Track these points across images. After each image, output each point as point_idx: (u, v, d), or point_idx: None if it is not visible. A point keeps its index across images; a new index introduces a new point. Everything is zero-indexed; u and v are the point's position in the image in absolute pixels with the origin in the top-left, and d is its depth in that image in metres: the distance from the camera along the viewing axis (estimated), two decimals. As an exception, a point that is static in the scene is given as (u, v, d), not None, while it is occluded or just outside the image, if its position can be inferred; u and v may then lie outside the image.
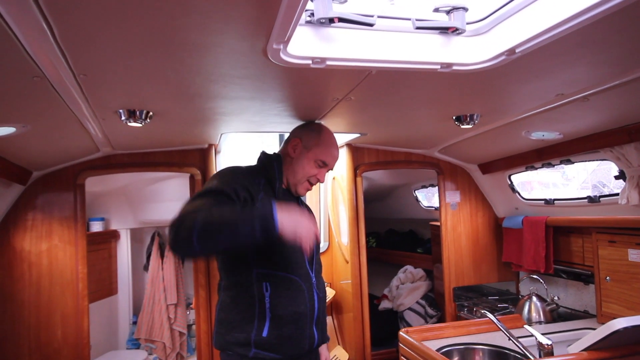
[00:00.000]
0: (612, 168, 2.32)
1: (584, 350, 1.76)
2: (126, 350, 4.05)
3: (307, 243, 1.32)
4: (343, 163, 3.14)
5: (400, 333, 2.28)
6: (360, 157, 3.17)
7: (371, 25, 1.30)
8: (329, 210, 3.79)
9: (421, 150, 3.19)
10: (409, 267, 4.07)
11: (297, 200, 1.80)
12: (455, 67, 1.43)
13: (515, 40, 1.28)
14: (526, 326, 2.00)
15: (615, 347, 1.76)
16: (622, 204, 2.18)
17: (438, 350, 2.08)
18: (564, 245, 2.78)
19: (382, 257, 4.94)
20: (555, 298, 2.71)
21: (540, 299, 2.67)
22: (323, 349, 1.85)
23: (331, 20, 1.25)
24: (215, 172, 2.85)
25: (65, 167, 2.67)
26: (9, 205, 2.58)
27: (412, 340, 2.16)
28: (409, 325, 3.60)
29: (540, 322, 2.59)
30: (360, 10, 1.30)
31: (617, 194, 2.27)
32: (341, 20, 1.25)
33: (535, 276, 2.86)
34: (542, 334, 1.87)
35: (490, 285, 3.31)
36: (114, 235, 4.06)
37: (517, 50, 1.30)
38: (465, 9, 1.37)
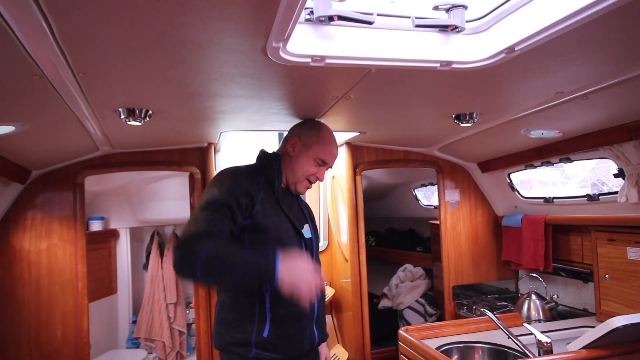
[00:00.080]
0: (612, 166, 2.32)
1: (583, 348, 1.76)
2: (126, 349, 4.05)
3: (305, 298, 1.33)
4: (342, 162, 3.14)
5: (400, 331, 2.28)
6: (360, 156, 3.17)
7: (370, 23, 1.30)
8: (329, 208, 3.79)
9: (421, 148, 3.19)
10: (409, 266, 4.08)
11: (296, 198, 1.80)
12: (454, 65, 1.43)
13: (515, 39, 1.28)
14: (525, 324, 2.01)
15: (614, 345, 1.76)
16: (621, 202, 2.18)
17: (437, 348, 2.08)
18: (563, 244, 2.78)
19: (381, 255, 4.94)
20: (555, 296, 2.72)
21: (540, 297, 2.68)
22: (323, 347, 1.85)
23: (330, 19, 1.25)
24: (214, 171, 2.88)
25: (64, 166, 2.67)
26: (9, 204, 2.58)
27: (411, 338, 2.17)
28: (409, 324, 3.61)
29: (539, 321, 2.59)
30: (360, 9, 1.30)
31: (616, 192, 2.27)
32: (340, 18, 1.25)
33: (534, 274, 2.87)
34: (542, 332, 1.88)
35: (489, 283, 3.32)
36: (113, 234, 4.06)
37: (516, 49, 1.30)
38: (464, 7, 1.37)
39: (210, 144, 2.86)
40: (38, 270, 2.60)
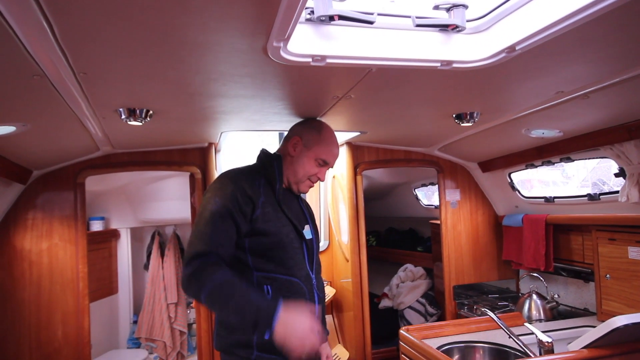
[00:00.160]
0: (612, 166, 2.32)
1: (584, 347, 1.76)
2: (127, 349, 4.06)
3: (294, 354, 1.36)
4: (343, 161, 3.14)
5: (401, 331, 2.28)
6: (360, 156, 3.17)
7: (371, 23, 1.30)
8: (329, 208, 3.79)
9: (421, 148, 3.19)
10: (409, 266, 4.07)
11: (297, 198, 1.80)
12: (455, 65, 1.43)
13: (515, 38, 1.28)
14: (526, 324, 2.01)
15: (615, 344, 1.76)
16: (622, 202, 2.18)
17: (438, 348, 2.08)
18: (564, 243, 2.78)
19: (382, 255, 4.94)
20: (555, 296, 2.71)
21: (541, 296, 2.67)
22: (324, 346, 1.84)
23: (331, 18, 1.25)
24: (215, 171, 2.88)
25: (65, 166, 2.68)
26: (9, 204, 2.58)
27: (412, 338, 2.16)
28: (409, 324, 3.61)
29: (540, 320, 2.59)
30: (360, 8, 1.30)
31: (617, 192, 2.27)
32: (341, 17, 1.25)
33: (535, 274, 2.86)
34: (543, 332, 1.87)
35: (490, 283, 3.32)
36: (114, 234, 4.07)
37: (517, 48, 1.30)
38: (465, 7, 1.37)
39: (210, 144, 2.86)
40: (39, 271, 2.60)
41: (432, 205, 4.39)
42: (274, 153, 1.75)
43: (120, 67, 1.31)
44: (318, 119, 2.04)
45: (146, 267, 4.24)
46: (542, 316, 2.61)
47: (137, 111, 1.76)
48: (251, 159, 1.78)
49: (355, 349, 3.08)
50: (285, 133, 1.88)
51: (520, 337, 1.89)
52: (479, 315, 2.85)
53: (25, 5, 0.89)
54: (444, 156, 3.24)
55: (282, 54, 1.24)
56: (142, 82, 1.45)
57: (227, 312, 1.42)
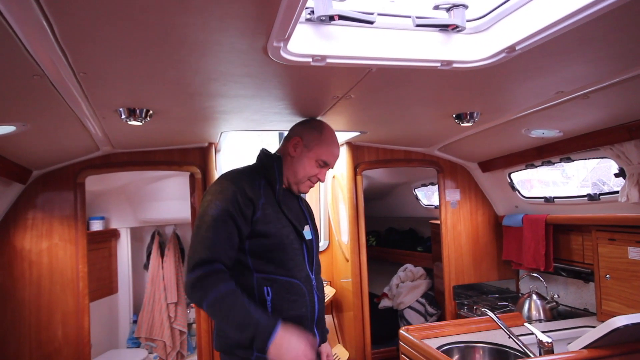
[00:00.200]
0: (612, 166, 2.32)
1: (584, 348, 1.76)
2: (126, 349, 4.06)
3: None
4: (343, 161, 3.14)
5: (401, 331, 2.28)
6: (360, 156, 3.17)
7: (371, 22, 1.30)
8: (329, 208, 3.79)
9: (421, 148, 3.19)
10: (409, 266, 4.08)
11: (297, 199, 1.79)
12: (455, 65, 1.43)
13: (515, 38, 1.28)
14: (526, 324, 2.01)
15: (615, 344, 1.76)
16: (622, 202, 2.18)
17: (438, 348, 2.08)
18: (564, 243, 2.78)
19: (382, 255, 4.94)
20: (555, 296, 2.71)
21: (540, 297, 2.67)
22: (324, 345, 1.84)
23: (331, 18, 1.25)
24: (215, 171, 2.88)
25: (65, 166, 2.67)
26: (9, 204, 2.58)
27: (412, 338, 2.16)
28: (409, 324, 3.61)
29: (540, 320, 2.59)
30: (361, 8, 1.30)
31: (617, 192, 2.27)
32: (341, 17, 1.25)
33: (535, 274, 2.86)
34: (542, 332, 1.87)
35: (490, 283, 3.32)
36: (114, 234, 4.07)
37: (517, 48, 1.30)
38: (465, 7, 1.37)
39: (210, 144, 2.86)
40: (39, 270, 2.60)
41: (432, 205, 4.40)
42: (274, 153, 1.74)
43: (120, 67, 1.31)
44: (321, 119, 2.04)
45: (146, 266, 4.24)
46: (542, 316, 2.61)
47: (137, 111, 1.76)
48: (251, 159, 1.78)
49: (355, 349, 3.08)
50: (286, 133, 1.87)
51: (520, 338, 1.90)
52: (479, 316, 2.85)
53: (25, 5, 0.89)
54: (444, 156, 3.24)
55: (282, 53, 1.24)
56: (142, 82, 1.45)
57: (227, 324, 1.44)
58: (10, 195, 2.56)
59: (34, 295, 2.58)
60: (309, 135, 1.72)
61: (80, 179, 2.69)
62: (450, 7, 1.37)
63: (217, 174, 2.94)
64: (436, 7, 1.37)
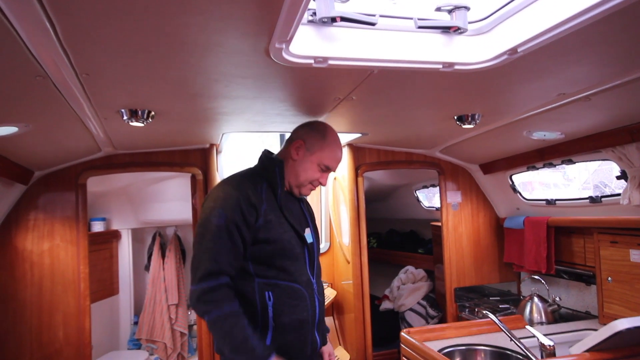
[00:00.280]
0: (614, 168, 2.32)
1: (586, 351, 1.76)
2: (127, 350, 4.06)
3: None
4: (344, 163, 3.13)
5: (402, 334, 2.28)
6: (362, 157, 3.17)
7: (373, 24, 1.30)
8: (330, 210, 3.79)
9: (422, 150, 3.19)
10: (410, 268, 4.07)
11: (298, 201, 1.78)
12: (457, 67, 1.43)
13: (517, 40, 1.28)
14: (528, 327, 2.00)
15: (618, 348, 1.75)
16: (624, 205, 2.17)
17: (440, 351, 2.07)
18: (566, 246, 2.78)
19: (383, 257, 4.93)
20: (557, 299, 2.71)
21: (542, 299, 2.67)
22: (325, 346, 1.84)
23: (333, 20, 1.25)
24: (216, 172, 2.88)
25: (67, 167, 2.68)
26: (11, 205, 2.59)
27: (413, 341, 2.16)
28: (410, 326, 3.60)
29: (541, 323, 2.58)
30: (363, 10, 1.30)
31: (618, 194, 2.26)
32: (343, 19, 1.25)
33: (536, 277, 2.86)
34: (544, 335, 1.87)
35: (491, 285, 3.31)
36: (115, 235, 4.07)
37: (519, 50, 1.30)
38: (467, 8, 1.37)
39: (212, 145, 2.86)
40: (40, 271, 2.60)
41: (433, 207, 4.39)
42: (276, 157, 1.71)
43: (122, 68, 1.31)
44: (323, 121, 2.03)
45: (147, 268, 4.24)
46: (544, 319, 2.60)
47: (139, 112, 1.76)
48: (252, 160, 1.77)
49: (356, 351, 3.07)
50: (287, 134, 1.86)
51: (522, 340, 1.89)
52: (480, 318, 2.84)
53: (28, 7, 0.90)
54: (445, 158, 3.24)
55: (284, 55, 1.24)
56: (144, 83, 1.46)
57: (223, 344, 1.45)
58: (12, 196, 2.56)
59: (35, 296, 2.59)
60: (311, 139, 1.69)
61: (81, 180, 2.69)
62: (452, 9, 1.37)
63: (218, 175, 2.94)
64: (438, 9, 1.37)
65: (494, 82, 1.62)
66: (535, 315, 2.62)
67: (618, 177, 2.26)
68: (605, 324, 1.73)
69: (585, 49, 1.30)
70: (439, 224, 3.34)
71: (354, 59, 1.35)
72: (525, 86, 1.68)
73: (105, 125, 2.00)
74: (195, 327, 4.10)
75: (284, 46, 1.20)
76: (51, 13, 0.94)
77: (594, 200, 2.46)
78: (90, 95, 1.53)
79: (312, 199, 3.95)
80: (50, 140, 2.12)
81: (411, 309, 3.72)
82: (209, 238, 1.47)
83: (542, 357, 1.84)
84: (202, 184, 2.86)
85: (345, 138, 2.92)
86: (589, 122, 2.08)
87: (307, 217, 1.78)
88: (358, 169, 3.14)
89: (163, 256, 4.14)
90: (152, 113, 1.80)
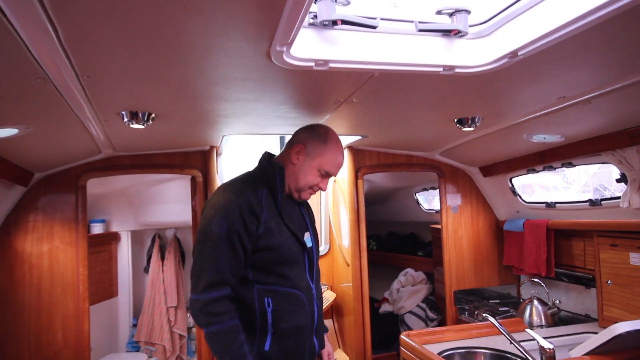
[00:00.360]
0: (614, 171, 2.32)
1: (586, 354, 1.75)
2: (126, 352, 4.04)
3: None
4: (344, 166, 3.11)
5: (402, 336, 2.28)
6: (362, 160, 3.17)
7: (374, 27, 1.30)
8: (330, 212, 3.79)
9: (422, 152, 3.19)
10: (410, 270, 4.06)
11: (298, 205, 1.77)
12: (457, 70, 1.43)
13: (518, 43, 1.29)
14: (527, 330, 1.99)
15: (618, 351, 1.75)
16: (624, 208, 2.17)
17: (439, 353, 2.07)
18: (566, 249, 2.78)
19: (382, 260, 4.93)
20: (557, 302, 2.70)
21: (542, 302, 2.66)
22: (325, 344, 1.83)
23: (334, 23, 1.26)
24: (216, 174, 2.88)
25: (67, 169, 2.68)
26: (11, 206, 2.58)
27: (413, 343, 2.16)
28: (410, 329, 3.59)
29: (541, 326, 2.58)
30: (363, 13, 1.30)
31: (618, 197, 2.27)
32: (344, 22, 1.26)
33: (536, 280, 2.85)
34: (544, 338, 1.87)
35: (491, 288, 3.31)
36: (114, 237, 4.06)
37: (519, 53, 1.31)
38: (467, 12, 1.37)
39: (212, 147, 2.86)
40: (39, 273, 2.60)
41: (433, 209, 4.39)
42: (277, 162, 1.67)
43: (123, 70, 1.31)
44: (324, 124, 2.00)
45: (146, 270, 4.23)
46: (543, 322, 2.60)
47: (140, 114, 1.76)
48: (252, 163, 1.76)
49: (355, 354, 3.07)
50: (288, 137, 1.84)
51: (522, 343, 1.88)
52: (480, 321, 2.84)
53: (30, 9, 0.90)
54: (445, 161, 3.24)
55: (285, 58, 1.25)
56: (144, 85, 1.46)
57: (221, 357, 1.46)
58: (11, 198, 2.56)
59: (34, 298, 2.58)
60: (312, 144, 1.65)
61: (81, 181, 2.69)
62: (453, 12, 1.37)
63: (218, 177, 2.94)
64: (439, 12, 1.38)
65: (495, 85, 1.62)
66: (535, 318, 2.62)
67: (618, 180, 2.26)
68: (605, 327, 1.73)
69: (586, 53, 1.31)
70: (439, 226, 3.34)
71: (355, 61, 1.35)
72: (525, 89, 1.68)
73: (105, 127, 2.00)
74: (194, 329, 4.10)
75: (285, 49, 1.20)
76: (52, 14, 0.94)
77: (593, 203, 2.46)
78: (90, 97, 1.53)
79: (312, 200, 3.90)
80: (51, 142, 2.12)
81: (411, 312, 3.72)
82: (210, 247, 1.46)
83: (542, 360, 1.84)
84: (202, 186, 2.86)
85: (345, 140, 2.93)
86: (589, 125, 2.08)
87: (306, 221, 1.77)
88: (358, 171, 3.14)
89: (162, 258, 4.13)
90: (153, 115, 1.80)
